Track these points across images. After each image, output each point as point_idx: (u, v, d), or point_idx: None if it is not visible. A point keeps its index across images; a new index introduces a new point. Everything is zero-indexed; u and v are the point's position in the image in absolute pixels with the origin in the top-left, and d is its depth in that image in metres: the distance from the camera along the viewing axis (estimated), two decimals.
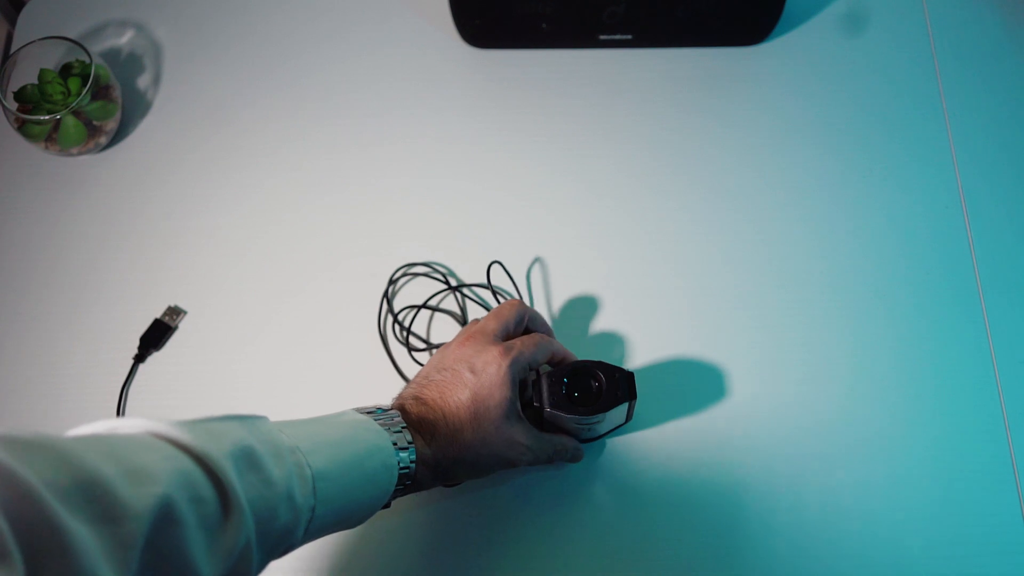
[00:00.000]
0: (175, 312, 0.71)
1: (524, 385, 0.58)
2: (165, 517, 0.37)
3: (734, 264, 0.70)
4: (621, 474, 0.64)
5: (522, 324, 0.60)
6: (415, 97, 0.78)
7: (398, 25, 0.81)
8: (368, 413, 0.53)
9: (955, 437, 0.64)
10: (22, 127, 0.73)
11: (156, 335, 0.70)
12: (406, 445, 0.52)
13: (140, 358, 0.70)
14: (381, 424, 0.52)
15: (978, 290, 0.68)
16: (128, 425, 0.42)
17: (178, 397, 0.69)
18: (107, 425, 0.42)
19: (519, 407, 0.57)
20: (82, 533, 0.33)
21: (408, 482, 0.52)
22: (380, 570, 0.63)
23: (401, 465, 0.51)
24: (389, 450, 0.51)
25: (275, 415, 0.53)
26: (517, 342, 0.57)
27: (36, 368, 0.70)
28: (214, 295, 0.72)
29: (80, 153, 0.76)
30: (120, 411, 0.68)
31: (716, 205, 0.73)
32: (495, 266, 0.70)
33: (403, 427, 0.52)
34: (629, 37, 0.76)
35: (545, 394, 0.57)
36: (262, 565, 0.45)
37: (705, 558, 0.62)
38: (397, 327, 0.70)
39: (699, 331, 0.68)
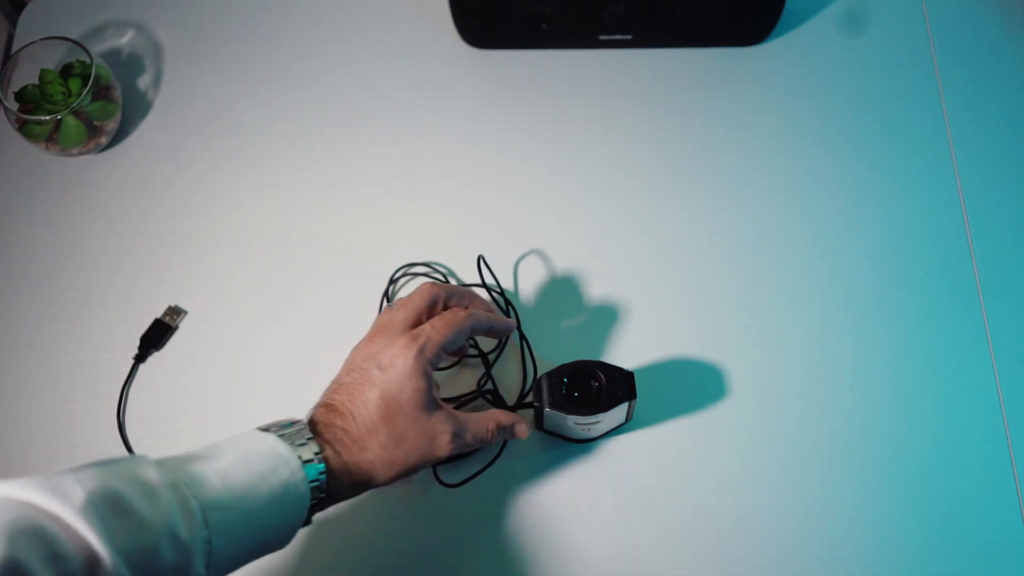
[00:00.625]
0: (175, 312, 0.71)
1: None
2: (15, 574, 0.35)
3: (734, 264, 0.70)
4: (621, 474, 0.64)
5: (436, 306, 0.57)
6: (415, 97, 0.78)
7: (398, 26, 0.81)
8: (268, 430, 0.51)
9: (954, 436, 0.64)
10: (23, 127, 0.73)
11: (156, 335, 0.70)
12: (312, 457, 0.49)
13: (140, 358, 0.70)
14: (284, 439, 0.49)
15: (977, 290, 0.68)
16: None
17: (178, 397, 0.69)
18: None
19: (436, 396, 0.54)
20: None
21: (322, 495, 0.50)
22: (381, 570, 0.63)
23: (310, 479, 0.49)
24: (291, 466, 0.48)
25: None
26: (427, 327, 0.54)
27: (37, 368, 0.70)
28: (214, 295, 0.72)
29: (81, 153, 0.76)
30: (120, 411, 0.68)
31: (716, 205, 0.73)
32: (489, 259, 0.70)
33: (308, 439, 0.50)
34: (629, 37, 0.77)
35: (545, 394, 0.58)
36: None
37: (705, 557, 0.62)
38: None
39: (699, 331, 0.68)
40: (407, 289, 0.71)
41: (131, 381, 0.69)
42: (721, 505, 0.63)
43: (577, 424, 0.59)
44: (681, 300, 0.70)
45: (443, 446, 0.53)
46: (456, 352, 0.63)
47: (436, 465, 0.55)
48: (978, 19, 0.79)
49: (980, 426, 0.64)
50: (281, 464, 0.48)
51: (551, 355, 0.68)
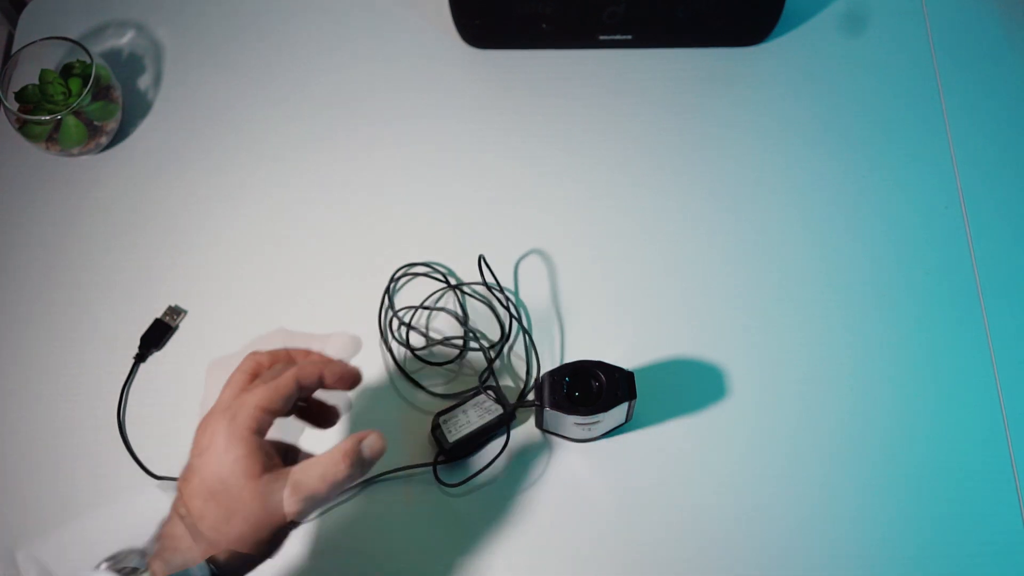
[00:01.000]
0: (175, 312, 0.71)
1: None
2: None
3: (733, 264, 0.70)
4: (621, 473, 0.64)
5: (260, 373, 0.52)
6: (415, 98, 0.78)
7: (398, 26, 0.81)
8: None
9: (954, 436, 0.64)
10: (23, 127, 0.73)
11: (157, 335, 0.70)
12: None
13: (141, 358, 0.70)
14: None
15: (977, 290, 0.69)
16: None
17: (179, 397, 0.69)
18: None
19: (269, 461, 0.48)
20: None
21: None
22: (381, 570, 0.63)
23: None
24: None
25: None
26: (243, 394, 0.50)
27: (37, 368, 0.70)
28: (214, 295, 0.72)
29: (81, 153, 0.76)
30: (121, 411, 0.68)
31: (716, 205, 0.73)
32: (490, 260, 0.70)
33: (143, 568, 0.47)
34: (629, 37, 0.77)
35: (546, 393, 0.58)
36: None
37: (705, 557, 0.62)
38: (397, 324, 0.70)
39: (699, 331, 0.68)
40: (407, 289, 0.71)
41: (131, 381, 0.69)
42: (721, 505, 0.63)
43: (577, 424, 0.59)
44: (681, 300, 0.70)
45: (283, 503, 0.48)
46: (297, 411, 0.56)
47: (290, 529, 0.50)
48: (978, 19, 0.79)
49: (980, 426, 0.64)
50: None
51: (551, 354, 0.68)
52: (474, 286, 0.71)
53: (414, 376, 0.68)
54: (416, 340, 0.70)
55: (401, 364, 0.69)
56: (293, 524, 0.49)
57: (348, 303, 0.71)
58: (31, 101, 0.74)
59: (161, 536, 0.48)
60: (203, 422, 0.50)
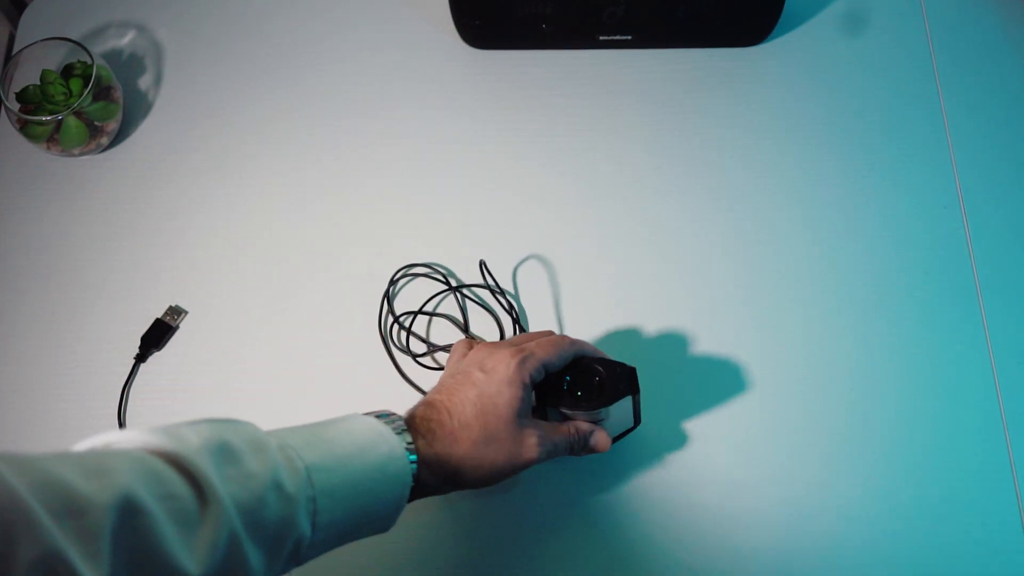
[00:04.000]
0: (176, 312, 0.71)
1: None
2: (129, 509, 0.37)
3: (733, 264, 0.71)
4: (623, 474, 0.64)
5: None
6: (415, 98, 0.79)
7: (398, 26, 0.81)
8: (369, 414, 0.53)
9: (953, 436, 0.64)
10: (24, 128, 0.74)
11: (157, 335, 0.70)
12: (405, 446, 0.51)
13: (141, 358, 0.70)
14: (383, 422, 0.52)
15: (976, 290, 0.69)
16: (123, 438, 0.42)
17: (179, 396, 0.69)
18: (104, 439, 0.43)
19: (530, 405, 0.55)
20: (48, 522, 0.34)
21: (412, 483, 0.51)
22: (381, 570, 0.63)
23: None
24: (391, 442, 0.50)
25: (276, 415, 0.53)
26: (531, 344, 0.56)
27: (38, 368, 0.70)
28: (215, 295, 0.72)
29: (82, 153, 0.77)
30: (121, 410, 0.68)
31: (716, 205, 0.73)
32: (489, 260, 0.70)
33: (403, 429, 0.52)
34: (629, 38, 0.77)
35: (548, 391, 0.57)
36: (271, 567, 0.44)
37: (706, 557, 0.62)
38: (397, 327, 0.70)
39: (698, 331, 0.68)
40: (407, 290, 0.71)
41: (132, 381, 0.69)
42: (721, 505, 0.63)
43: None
44: (681, 300, 0.70)
45: (531, 449, 0.54)
46: None
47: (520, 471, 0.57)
48: (977, 19, 0.79)
49: (979, 426, 0.64)
50: (381, 440, 0.49)
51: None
52: (474, 288, 0.71)
53: (416, 382, 0.68)
54: (416, 346, 0.70)
55: (401, 366, 0.69)
56: (519, 470, 0.55)
57: (349, 303, 0.71)
58: (32, 101, 0.74)
59: (423, 417, 0.53)
60: (490, 347, 0.57)
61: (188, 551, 0.39)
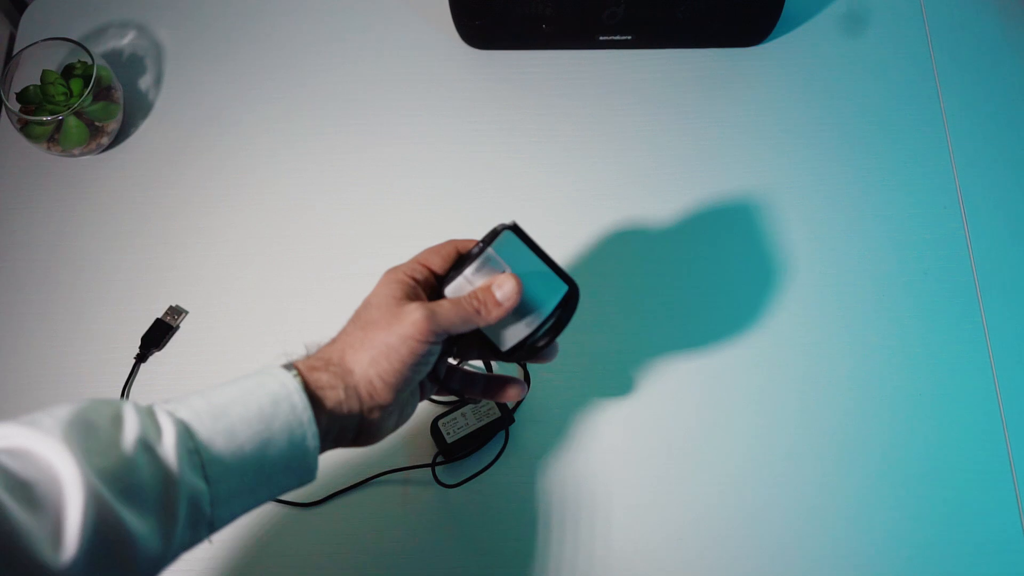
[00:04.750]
0: (176, 312, 0.71)
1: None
2: None
3: (733, 263, 0.71)
4: (621, 474, 0.64)
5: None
6: (416, 98, 0.79)
7: (398, 26, 0.81)
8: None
9: (953, 436, 0.64)
10: (24, 128, 0.74)
11: (158, 335, 0.70)
12: (291, 380, 0.46)
13: (141, 357, 0.70)
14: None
15: (976, 290, 0.69)
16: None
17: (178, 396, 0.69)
18: None
19: (412, 292, 0.50)
20: None
21: (308, 415, 0.46)
22: (380, 570, 0.63)
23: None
24: (282, 377, 0.46)
25: None
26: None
27: (39, 367, 0.71)
28: (215, 295, 0.72)
29: (82, 154, 0.77)
30: None
31: (715, 205, 0.73)
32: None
33: (283, 366, 0.48)
34: (629, 38, 0.77)
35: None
36: (169, 533, 0.41)
37: (705, 557, 0.62)
38: None
39: (698, 331, 0.68)
40: None
41: (132, 380, 0.69)
42: (721, 505, 0.63)
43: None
44: (681, 299, 0.70)
45: (416, 323, 0.48)
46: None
47: (434, 394, 0.53)
48: (976, 20, 0.79)
49: (978, 425, 0.64)
50: (268, 378, 0.46)
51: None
52: None
53: None
54: None
55: None
56: (427, 390, 0.52)
57: (349, 304, 0.71)
58: (33, 102, 0.74)
59: (327, 361, 0.48)
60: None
61: (51, 539, 0.36)
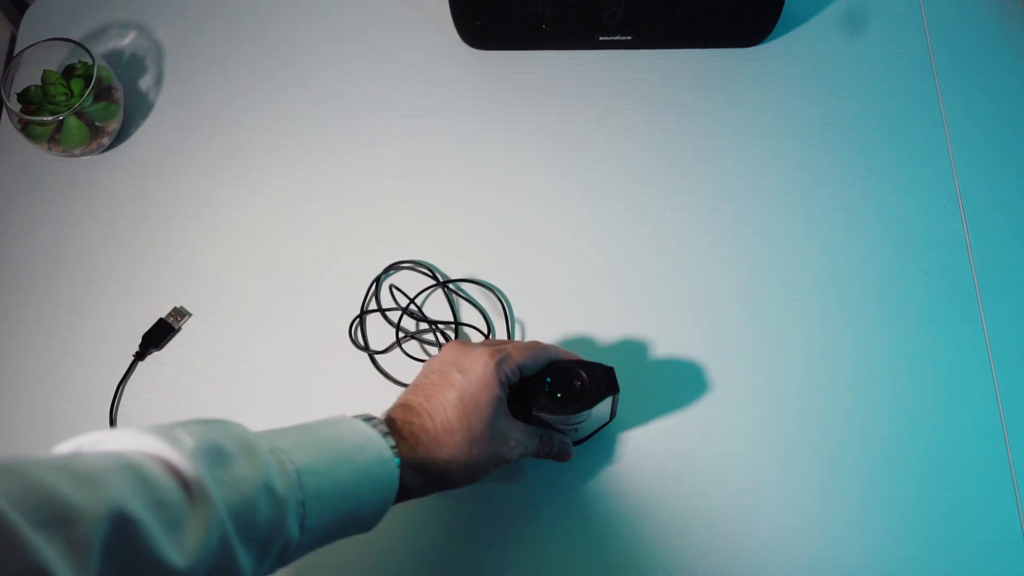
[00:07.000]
0: (180, 313, 0.71)
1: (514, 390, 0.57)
2: (120, 519, 0.37)
3: (732, 263, 0.71)
4: (620, 474, 0.64)
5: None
6: (415, 98, 0.79)
7: (398, 26, 0.81)
8: (357, 417, 0.53)
9: (952, 436, 0.64)
10: (25, 128, 0.74)
11: (158, 335, 0.70)
12: (391, 449, 0.51)
13: (140, 356, 0.70)
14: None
15: (975, 290, 0.69)
16: (115, 437, 0.42)
17: (175, 397, 0.69)
18: (94, 438, 0.42)
19: (507, 406, 0.56)
20: (31, 533, 0.33)
21: (397, 485, 0.51)
22: (380, 570, 0.63)
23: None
24: (378, 444, 0.50)
25: (274, 420, 0.53)
26: (506, 345, 0.57)
27: (39, 367, 0.71)
28: (217, 297, 0.72)
29: (83, 154, 0.77)
30: (114, 408, 0.69)
31: (715, 205, 0.73)
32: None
33: (386, 433, 0.51)
34: (629, 38, 0.77)
35: (527, 395, 0.57)
36: (259, 568, 0.44)
37: (705, 557, 0.62)
38: (396, 330, 0.70)
39: (697, 331, 0.69)
40: (409, 289, 0.71)
41: (128, 379, 0.70)
42: (721, 506, 0.63)
43: (564, 425, 0.59)
44: (679, 300, 0.70)
45: (510, 450, 0.55)
46: None
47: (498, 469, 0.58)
48: (976, 20, 0.79)
49: (978, 426, 0.64)
50: (369, 444, 0.50)
51: None
52: (463, 285, 0.71)
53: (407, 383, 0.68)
54: (431, 350, 0.70)
55: (382, 366, 0.69)
56: (499, 468, 0.56)
57: (349, 303, 0.71)
58: (33, 102, 0.74)
59: (403, 420, 0.53)
60: (464, 347, 0.56)
61: (180, 557, 0.39)
